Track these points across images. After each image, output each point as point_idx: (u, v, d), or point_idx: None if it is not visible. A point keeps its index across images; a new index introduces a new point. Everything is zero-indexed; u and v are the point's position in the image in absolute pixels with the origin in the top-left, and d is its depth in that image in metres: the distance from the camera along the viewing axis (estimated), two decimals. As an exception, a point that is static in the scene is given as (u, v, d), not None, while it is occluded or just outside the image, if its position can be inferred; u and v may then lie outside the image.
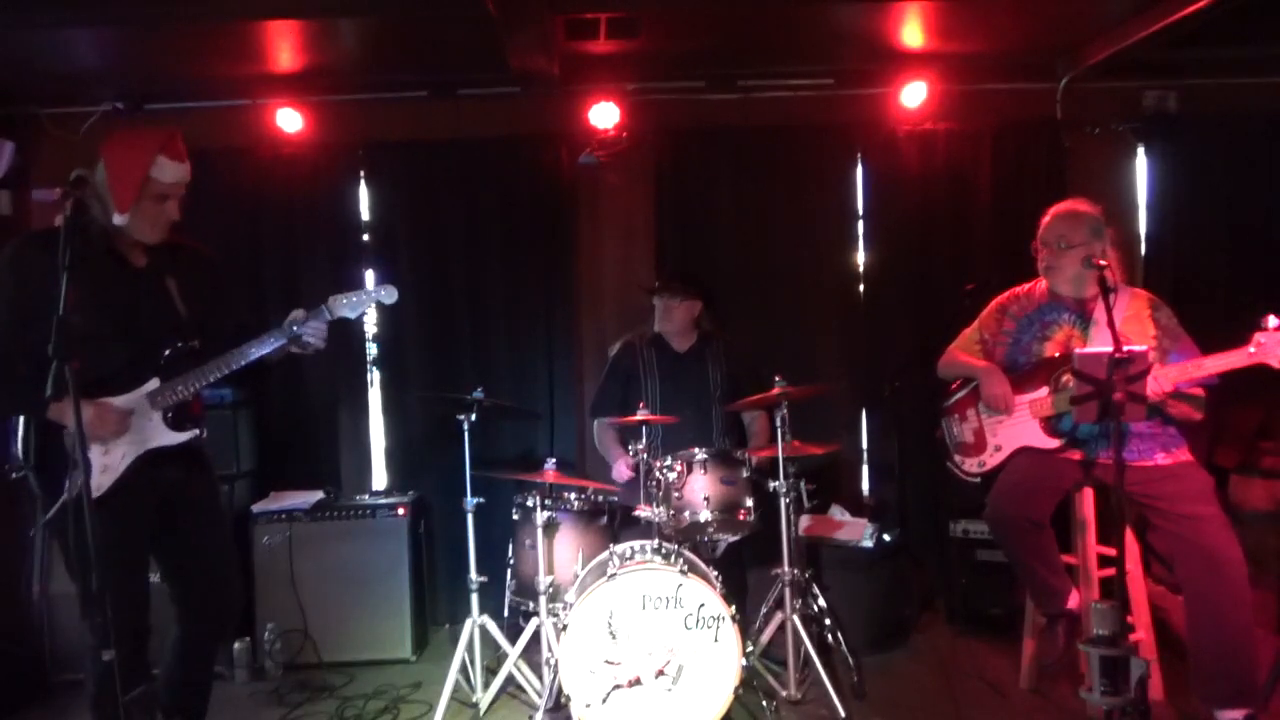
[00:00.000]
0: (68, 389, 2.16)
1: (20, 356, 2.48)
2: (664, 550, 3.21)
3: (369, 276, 4.65)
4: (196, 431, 2.76)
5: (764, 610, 3.69)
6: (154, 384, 2.67)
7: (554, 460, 3.51)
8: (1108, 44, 4.22)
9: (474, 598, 3.62)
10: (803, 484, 3.69)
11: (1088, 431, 3.13)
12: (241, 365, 2.71)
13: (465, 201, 4.62)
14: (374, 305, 2.85)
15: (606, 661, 3.03)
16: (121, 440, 2.63)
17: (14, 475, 2.56)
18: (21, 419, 2.59)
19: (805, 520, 4.22)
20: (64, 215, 2.31)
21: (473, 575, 3.63)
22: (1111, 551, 3.03)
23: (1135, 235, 4.70)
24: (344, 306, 2.80)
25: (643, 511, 3.47)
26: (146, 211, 2.64)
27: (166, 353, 2.69)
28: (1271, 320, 2.72)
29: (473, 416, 3.63)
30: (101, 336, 2.58)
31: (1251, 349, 2.76)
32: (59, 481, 2.47)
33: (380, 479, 4.78)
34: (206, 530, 2.88)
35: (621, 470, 3.97)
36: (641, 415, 3.56)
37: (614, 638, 3.04)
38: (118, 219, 2.59)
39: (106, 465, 2.62)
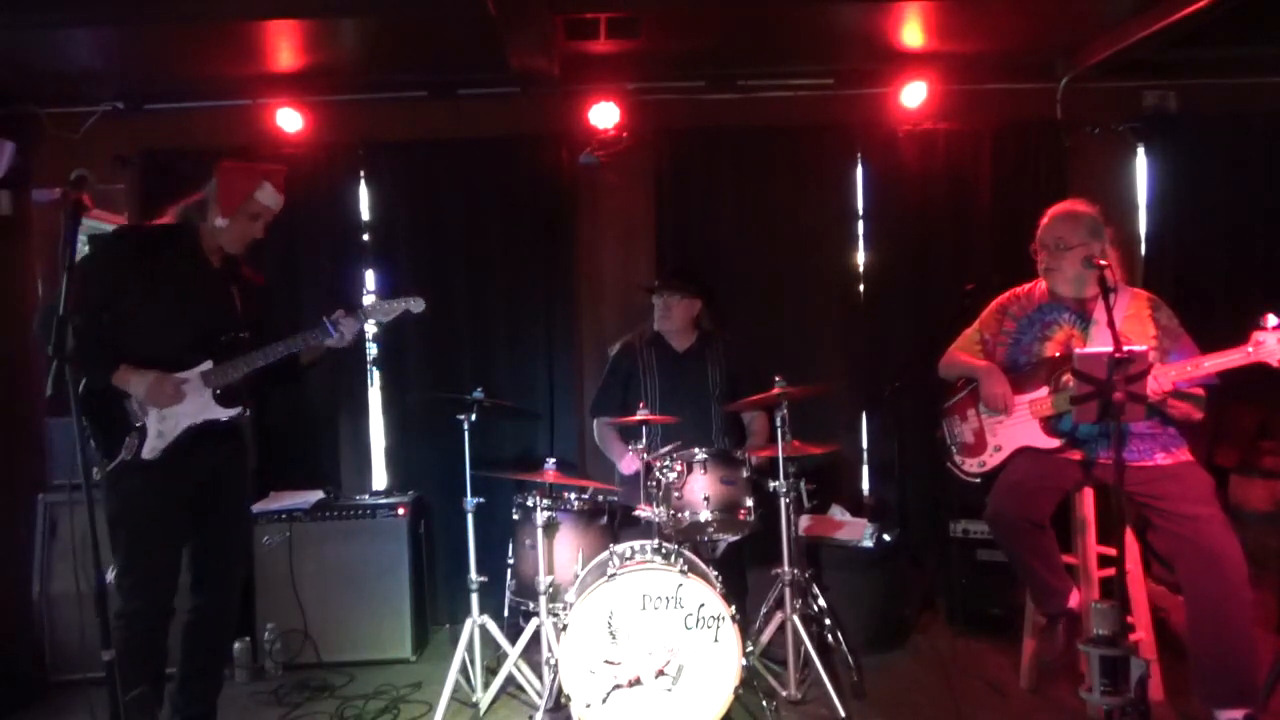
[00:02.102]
0: (68, 389, 2.22)
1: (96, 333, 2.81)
2: (664, 550, 3.21)
3: (369, 276, 4.65)
4: (242, 408, 3.07)
5: (764, 610, 3.69)
6: (208, 365, 2.98)
7: (554, 460, 3.51)
8: (1108, 44, 4.22)
9: (474, 598, 3.62)
10: (803, 484, 3.69)
11: (1088, 431, 3.14)
12: (283, 355, 3.02)
13: (465, 201, 4.62)
14: (404, 313, 3.17)
15: (606, 661, 3.03)
16: (176, 410, 2.92)
17: (82, 436, 2.74)
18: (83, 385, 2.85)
19: (805, 520, 4.22)
20: (63, 216, 2.35)
21: (473, 575, 3.63)
22: (1111, 551, 3.04)
23: (1135, 235, 4.70)
24: (377, 312, 3.16)
25: (643, 511, 3.47)
26: (239, 224, 3.05)
27: (222, 338, 3.01)
28: (1270, 319, 2.73)
29: (473, 416, 3.63)
30: (175, 319, 2.96)
31: (1250, 348, 2.76)
32: (118, 443, 2.84)
33: (380, 479, 4.78)
34: (227, 514, 3.15)
35: (629, 462, 3.95)
36: (641, 415, 3.56)
37: (614, 638, 3.04)
38: (219, 222, 3.01)
39: (162, 431, 2.90)
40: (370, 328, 4.60)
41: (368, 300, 3.16)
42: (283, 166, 3.15)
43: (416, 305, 3.18)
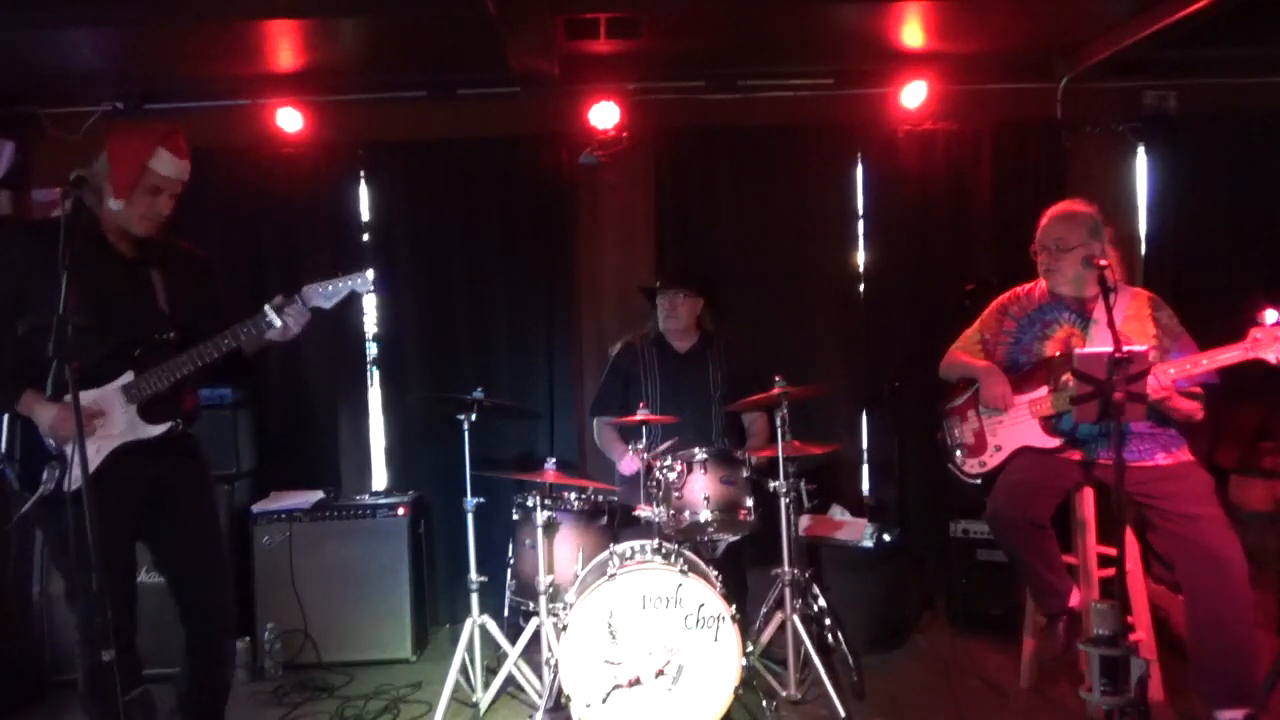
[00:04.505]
0: (67, 389, 2.18)
1: (3, 348, 2.53)
2: (664, 550, 3.21)
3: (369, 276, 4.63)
4: (172, 423, 2.74)
5: (764, 610, 3.69)
6: (128, 377, 2.67)
7: (554, 460, 3.51)
8: (1108, 44, 4.22)
9: (474, 598, 3.62)
10: (803, 484, 3.69)
11: (1087, 431, 3.14)
12: (215, 356, 2.69)
13: (465, 201, 4.62)
14: (350, 294, 2.82)
15: (606, 661, 3.03)
16: (97, 434, 2.61)
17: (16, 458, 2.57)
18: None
19: (805, 520, 4.22)
20: (63, 215, 2.31)
21: (473, 575, 3.62)
22: (1111, 551, 3.04)
23: (1135, 235, 4.70)
24: (319, 296, 2.77)
25: (643, 511, 3.47)
26: (139, 202, 2.65)
27: (141, 346, 2.68)
28: (1269, 315, 2.73)
29: (473, 416, 3.63)
30: (84, 326, 2.53)
31: (1248, 344, 2.77)
32: (36, 475, 2.49)
33: (380, 479, 4.78)
34: (193, 528, 2.87)
35: (629, 463, 3.94)
36: (641, 415, 3.56)
37: (614, 638, 3.04)
38: (113, 204, 2.62)
39: None
40: (371, 327, 4.74)
41: (308, 285, 2.78)
42: (178, 127, 2.70)
43: (364, 285, 2.81)
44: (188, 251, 2.92)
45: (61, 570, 2.64)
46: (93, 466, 2.54)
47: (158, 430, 2.71)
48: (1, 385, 2.53)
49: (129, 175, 2.61)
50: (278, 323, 2.70)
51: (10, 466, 2.56)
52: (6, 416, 2.56)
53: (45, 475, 2.49)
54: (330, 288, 2.78)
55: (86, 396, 2.59)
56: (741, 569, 3.99)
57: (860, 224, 4.76)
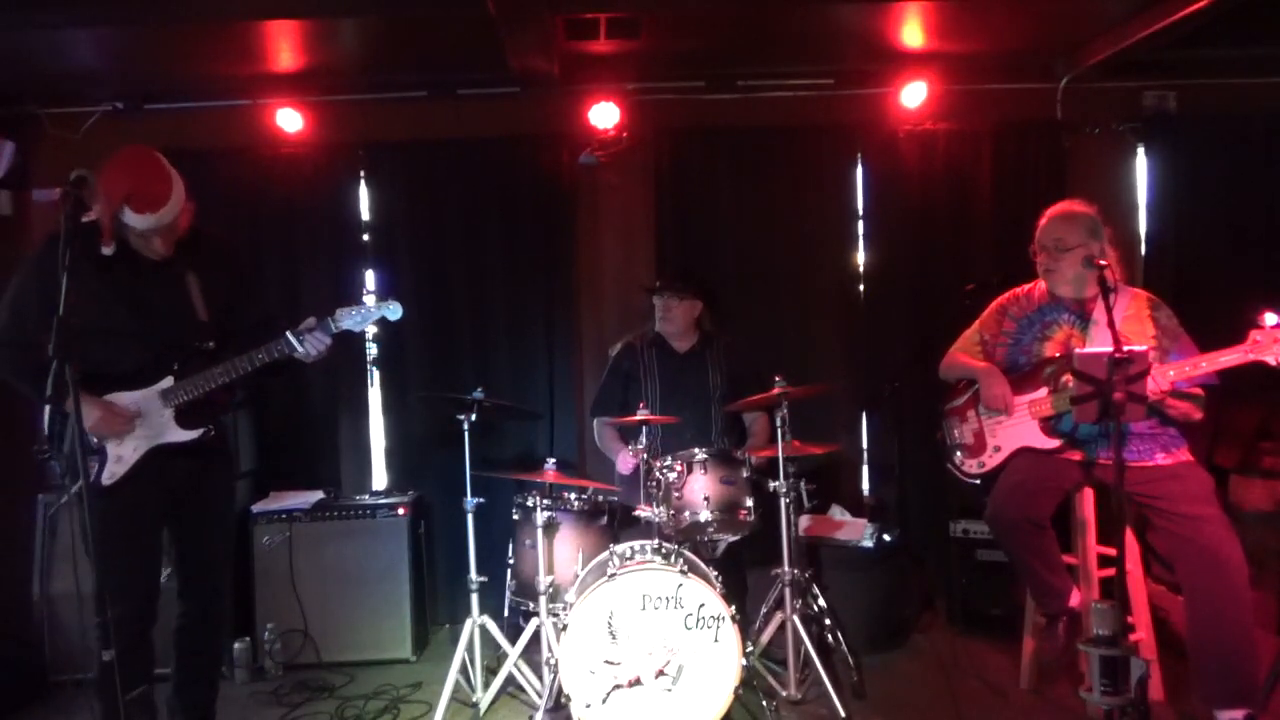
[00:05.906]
0: (68, 389, 2.20)
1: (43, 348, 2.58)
2: (664, 550, 3.21)
3: (369, 277, 4.65)
4: (205, 429, 2.87)
5: (764, 610, 3.69)
6: (168, 382, 2.79)
7: (554, 460, 3.51)
8: (1108, 44, 4.22)
9: (474, 598, 3.62)
10: (803, 484, 3.69)
11: (1087, 432, 3.14)
12: (248, 370, 2.81)
13: (465, 202, 4.62)
14: (379, 320, 2.92)
15: (606, 661, 3.03)
16: (134, 434, 2.75)
17: (39, 457, 2.66)
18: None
19: (805, 520, 4.22)
20: (63, 215, 2.33)
21: (473, 575, 3.63)
22: (1111, 551, 3.04)
23: (1135, 235, 4.70)
24: (349, 319, 2.88)
25: (643, 511, 3.47)
26: (134, 242, 2.72)
27: (183, 353, 2.81)
28: (1269, 318, 2.73)
29: (473, 416, 3.63)
30: (119, 331, 2.71)
31: (1248, 346, 2.77)
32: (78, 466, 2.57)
33: (380, 479, 4.78)
34: (206, 523, 3.00)
35: (626, 461, 3.95)
36: (641, 415, 3.56)
37: (614, 638, 3.04)
38: (108, 250, 2.62)
39: (120, 456, 2.75)
40: (371, 328, 4.72)
41: (339, 309, 2.89)
42: (146, 178, 2.68)
43: (394, 312, 2.91)
44: (216, 241, 2.97)
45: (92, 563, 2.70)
46: (129, 465, 2.77)
47: (192, 435, 2.84)
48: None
49: (108, 225, 2.61)
50: (300, 349, 2.81)
51: (57, 458, 2.66)
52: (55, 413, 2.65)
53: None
54: (360, 313, 2.88)
55: (127, 398, 2.76)
56: (741, 569, 3.99)
57: (860, 224, 4.76)
